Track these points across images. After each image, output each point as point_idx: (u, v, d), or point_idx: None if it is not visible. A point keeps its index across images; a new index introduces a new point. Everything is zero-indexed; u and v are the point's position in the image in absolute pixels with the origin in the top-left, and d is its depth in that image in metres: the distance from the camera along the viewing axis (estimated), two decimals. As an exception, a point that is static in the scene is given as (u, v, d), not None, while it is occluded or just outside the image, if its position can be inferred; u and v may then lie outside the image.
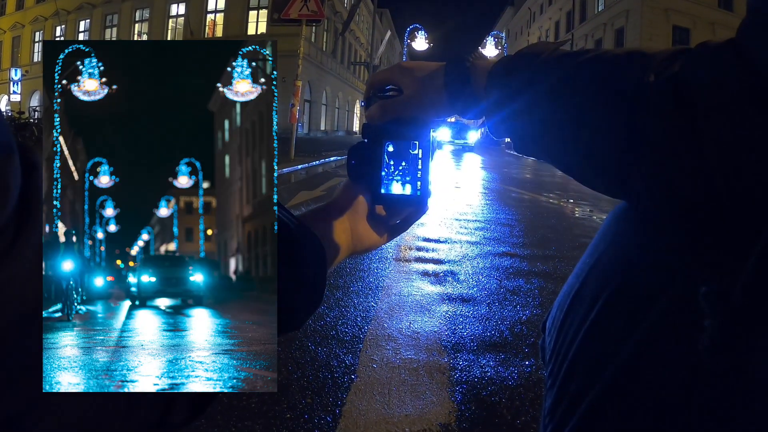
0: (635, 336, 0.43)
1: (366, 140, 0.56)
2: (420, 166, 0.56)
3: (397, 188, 0.56)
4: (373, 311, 2.09)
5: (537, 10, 47.10)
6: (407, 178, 0.56)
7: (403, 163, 0.56)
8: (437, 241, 3.50)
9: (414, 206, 0.57)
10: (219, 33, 25.79)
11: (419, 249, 3.20)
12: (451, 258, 3.06)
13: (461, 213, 4.84)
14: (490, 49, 41.30)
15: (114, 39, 25.85)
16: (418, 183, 0.56)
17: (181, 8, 26.55)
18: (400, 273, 2.65)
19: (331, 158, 10.49)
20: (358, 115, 36.77)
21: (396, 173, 0.56)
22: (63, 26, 30.71)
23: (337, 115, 32.52)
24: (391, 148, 0.56)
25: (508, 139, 0.53)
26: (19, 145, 0.23)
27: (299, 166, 8.25)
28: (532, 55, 0.50)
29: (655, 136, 0.39)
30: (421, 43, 31.17)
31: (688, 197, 0.40)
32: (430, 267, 2.80)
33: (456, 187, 7.39)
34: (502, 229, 4.23)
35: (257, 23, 24.60)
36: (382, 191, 0.56)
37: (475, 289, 2.50)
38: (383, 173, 0.56)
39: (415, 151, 0.55)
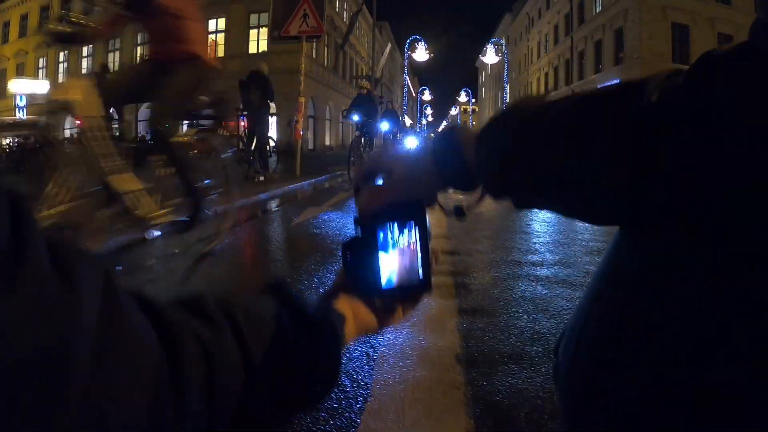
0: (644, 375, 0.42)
1: (359, 233, 0.55)
2: (419, 248, 0.54)
3: (397, 277, 0.54)
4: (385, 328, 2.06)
5: (535, 15, 47.29)
6: (408, 264, 0.54)
7: (402, 248, 0.54)
8: (447, 252, 3.48)
9: (417, 291, 0.56)
10: (221, 53, 26.03)
11: (428, 261, 3.17)
12: (462, 269, 3.03)
13: (469, 221, 4.81)
14: (490, 56, 41.35)
15: (117, 63, 26.13)
16: (419, 267, 0.54)
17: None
18: (410, 287, 2.63)
19: (338, 173, 10.48)
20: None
21: (395, 261, 0.54)
22: (65, 52, 31.07)
23: (342, 129, 32.64)
24: (385, 237, 0.54)
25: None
26: None
27: (305, 183, 8.25)
28: (519, 109, 0.49)
29: (667, 154, 0.37)
30: (421, 53, 31.30)
31: (706, 218, 0.38)
32: (440, 280, 2.78)
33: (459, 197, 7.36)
34: (510, 237, 4.20)
35: (258, 41, 24.80)
36: (383, 286, 0.54)
37: (487, 300, 2.47)
38: (382, 265, 0.54)
39: (412, 233, 0.54)
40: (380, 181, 0.57)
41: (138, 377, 0.28)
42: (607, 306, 0.47)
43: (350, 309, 0.55)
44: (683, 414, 0.39)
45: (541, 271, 3.04)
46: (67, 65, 31.17)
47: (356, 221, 0.55)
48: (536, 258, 3.42)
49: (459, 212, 0.58)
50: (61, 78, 31.58)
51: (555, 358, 0.55)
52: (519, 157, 0.46)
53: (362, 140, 9.54)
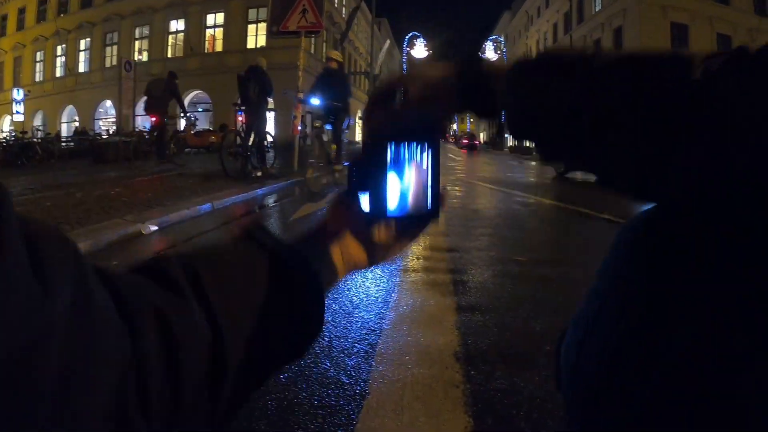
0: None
1: (368, 152, 0.51)
2: (430, 173, 0.50)
3: (404, 201, 0.50)
4: (382, 325, 2.05)
5: (534, 13, 47.29)
6: (416, 189, 0.50)
7: (411, 171, 0.50)
8: (444, 250, 3.46)
9: (424, 218, 0.52)
10: (219, 48, 25.97)
11: (426, 259, 3.16)
12: (460, 267, 3.02)
13: (468, 219, 4.81)
14: (489, 54, 41.27)
15: (115, 56, 26.04)
16: (429, 193, 0.51)
17: (181, 24, 26.74)
18: (408, 284, 2.61)
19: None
20: (360, 125, 36.94)
21: (404, 186, 0.50)
22: (64, 45, 30.97)
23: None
24: (396, 156, 0.50)
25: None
26: None
27: (303, 178, 8.21)
28: (561, 55, 0.47)
29: (700, 130, 0.37)
30: (420, 50, 31.27)
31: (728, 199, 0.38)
32: (438, 277, 2.77)
33: (458, 195, 7.37)
34: (508, 234, 4.19)
35: (256, 36, 24.72)
36: (389, 207, 0.50)
37: (486, 298, 2.46)
38: (389, 187, 0.50)
39: (424, 156, 0.50)
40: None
41: (106, 362, 0.27)
42: (615, 310, 0.46)
43: (336, 247, 0.52)
44: (696, 417, 0.38)
45: (540, 269, 3.03)
46: (65, 59, 31.04)
47: (365, 141, 0.52)
48: (535, 256, 3.41)
49: (471, 142, 0.55)
50: (59, 72, 31.49)
51: (556, 361, 0.54)
52: (559, 102, 0.44)
53: (324, 135, 7.02)
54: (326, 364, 1.69)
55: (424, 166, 0.50)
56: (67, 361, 0.24)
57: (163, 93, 10.50)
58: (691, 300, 0.40)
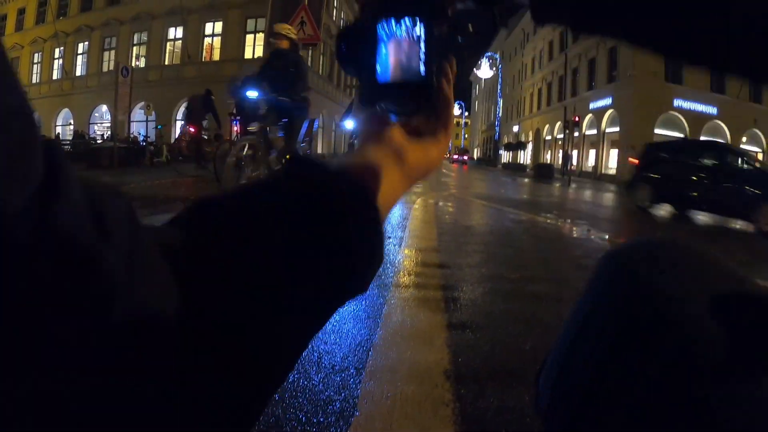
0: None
1: (357, 24, 0.48)
2: (422, 46, 0.47)
3: (395, 73, 0.47)
4: (372, 341, 2.04)
5: (530, 31, 47.78)
6: (407, 60, 0.47)
7: (403, 43, 0.47)
8: (436, 266, 3.46)
9: (417, 95, 0.47)
10: (216, 56, 26.06)
11: (418, 275, 3.16)
12: (452, 283, 3.02)
13: (460, 235, 4.81)
14: (485, 70, 41.52)
15: (112, 61, 26.04)
16: (421, 65, 0.47)
17: (179, 32, 26.83)
18: (399, 300, 2.61)
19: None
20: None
21: (395, 54, 0.47)
22: (62, 48, 30.96)
23: (334, 138, 32.69)
24: (388, 26, 0.47)
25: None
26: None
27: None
28: None
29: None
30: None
31: None
32: (430, 293, 2.76)
33: (450, 211, 7.39)
34: (501, 252, 4.20)
35: (254, 47, 24.83)
36: (378, 80, 0.47)
37: (477, 315, 2.45)
38: (379, 58, 0.47)
39: (416, 28, 0.46)
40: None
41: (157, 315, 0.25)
42: (594, 337, 0.46)
43: (390, 155, 0.45)
44: None
45: (532, 287, 3.04)
46: (62, 62, 31.01)
47: (361, 12, 0.48)
48: (527, 273, 3.42)
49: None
50: (56, 74, 31.46)
51: (536, 387, 0.54)
52: None
53: (267, 133, 5.40)
54: (315, 380, 1.68)
55: (416, 40, 0.47)
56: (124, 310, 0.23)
57: (201, 107, 11.93)
58: (668, 333, 0.40)
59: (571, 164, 33.24)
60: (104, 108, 28.08)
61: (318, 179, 0.38)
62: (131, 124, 12.91)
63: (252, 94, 5.13)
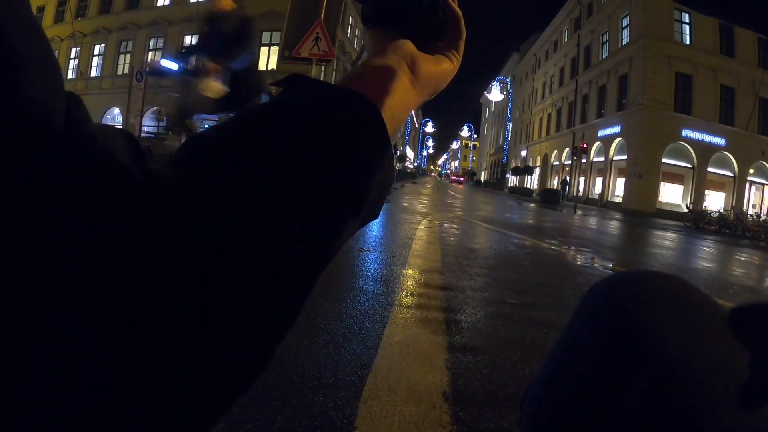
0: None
1: None
2: None
3: None
4: (372, 360, 2.05)
5: (542, 56, 48.11)
6: None
7: None
8: (438, 288, 3.47)
9: (425, 11, 0.47)
10: (230, 65, 26.13)
11: (420, 296, 3.17)
12: (453, 306, 3.02)
13: (463, 258, 4.82)
14: (495, 94, 41.72)
15: (127, 65, 26.31)
16: None
17: (195, 40, 27.01)
18: (401, 320, 2.61)
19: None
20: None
21: None
22: (78, 48, 31.28)
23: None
24: None
25: None
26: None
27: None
28: None
29: None
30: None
31: None
32: (431, 315, 2.77)
33: (455, 233, 7.40)
34: (504, 276, 4.20)
35: (268, 59, 25.04)
36: None
37: (477, 338, 2.46)
38: None
39: None
40: None
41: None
42: (575, 368, 0.48)
43: (401, 62, 0.43)
44: None
45: (533, 313, 3.04)
46: (78, 62, 31.34)
47: None
48: (529, 299, 3.42)
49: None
50: (70, 74, 31.77)
51: (520, 412, 0.55)
52: None
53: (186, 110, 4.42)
54: (314, 397, 1.68)
55: None
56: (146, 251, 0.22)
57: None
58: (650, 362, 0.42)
59: (570, 190, 33.24)
60: (116, 110, 28.34)
61: (319, 94, 0.35)
62: (142, 128, 12.99)
63: (172, 65, 3.82)
